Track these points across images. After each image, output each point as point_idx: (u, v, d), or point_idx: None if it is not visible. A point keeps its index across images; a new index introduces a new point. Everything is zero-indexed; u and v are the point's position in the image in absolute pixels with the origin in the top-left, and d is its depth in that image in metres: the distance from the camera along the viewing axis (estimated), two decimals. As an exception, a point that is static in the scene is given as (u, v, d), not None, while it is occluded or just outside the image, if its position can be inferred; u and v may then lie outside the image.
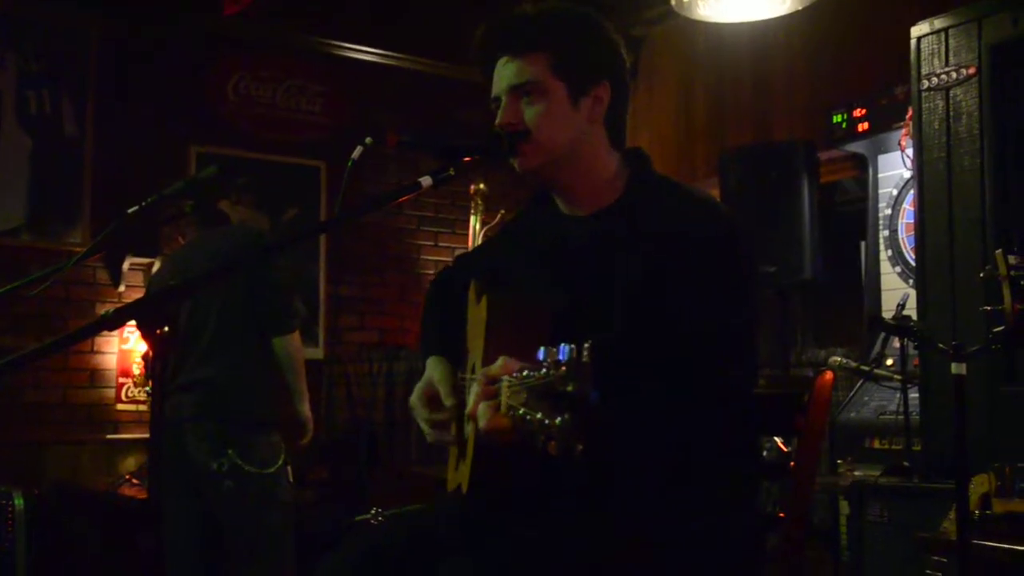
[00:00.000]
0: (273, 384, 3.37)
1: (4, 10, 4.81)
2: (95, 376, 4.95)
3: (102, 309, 4.89)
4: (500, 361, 1.43)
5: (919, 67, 3.25)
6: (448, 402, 1.72)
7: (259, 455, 3.23)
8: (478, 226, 4.80)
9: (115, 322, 1.37)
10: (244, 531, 3.26)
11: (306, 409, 3.46)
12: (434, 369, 1.79)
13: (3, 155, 4.83)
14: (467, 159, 1.66)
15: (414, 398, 1.80)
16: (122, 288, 5.00)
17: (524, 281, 1.79)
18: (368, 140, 1.68)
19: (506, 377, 1.35)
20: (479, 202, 4.80)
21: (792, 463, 1.79)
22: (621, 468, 1.55)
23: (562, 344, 1.22)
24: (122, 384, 4.98)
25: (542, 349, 1.25)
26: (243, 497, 3.21)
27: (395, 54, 5.73)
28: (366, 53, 5.67)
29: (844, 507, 3.48)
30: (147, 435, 4.43)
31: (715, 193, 4.23)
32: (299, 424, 3.48)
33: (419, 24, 5.44)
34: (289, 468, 3.36)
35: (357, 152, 1.68)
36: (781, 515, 1.78)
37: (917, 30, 3.28)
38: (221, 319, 3.30)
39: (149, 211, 2.47)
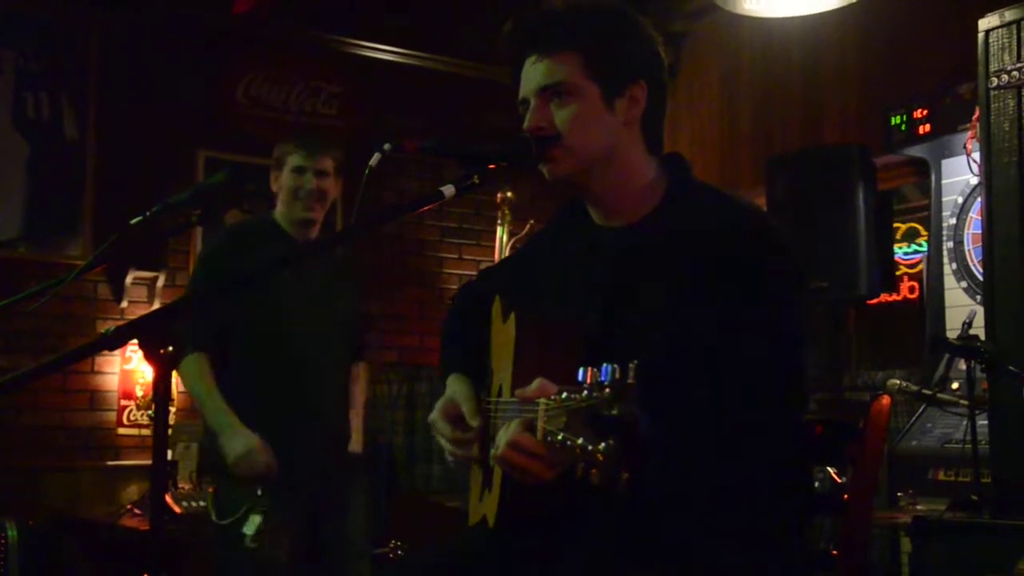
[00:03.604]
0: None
1: (0, 6, 4.88)
2: (95, 398, 5.00)
3: (103, 326, 4.94)
4: (536, 383, 1.44)
5: (987, 63, 3.22)
6: (473, 422, 1.74)
7: (216, 503, 3.13)
8: (505, 237, 4.80)
9: (117, 341, 1.38)
10: None
11: (227, 442, 3.06)
12: (456, 388, 1.81)
13: (-1, 161, 4.89)
14: (493, 166, 1.67)
15: (435, 415, 1.83)
16: (125, 304, 5.05)
17: (555, 297, 1.79)
18: (387, 146, 1.70)
19: (543, 400, 1.35)
20: (506, 211, 4.80)
21: (846, 496, 1.78)
22: (665, 499, 1.54)
23: (604, 364, 1.22)
24: (124, 407, 5.02)
25: (582, 369, 1.25)
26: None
27: (416, 53, 5.76)
28: (385, 52, 5.71)
29: (905, 544, 3.45)
30: (150, 462, 4.47)
31: (761, 202, 4.22)
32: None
33: (442, 21, 5.47)
34: (257, 516, 3.15)
35: (375, 159, 1.69)
36: (835, 552, 1.77)
37: (985, 23, 3.26)
38: None
39: (154, 221, 2.49)
